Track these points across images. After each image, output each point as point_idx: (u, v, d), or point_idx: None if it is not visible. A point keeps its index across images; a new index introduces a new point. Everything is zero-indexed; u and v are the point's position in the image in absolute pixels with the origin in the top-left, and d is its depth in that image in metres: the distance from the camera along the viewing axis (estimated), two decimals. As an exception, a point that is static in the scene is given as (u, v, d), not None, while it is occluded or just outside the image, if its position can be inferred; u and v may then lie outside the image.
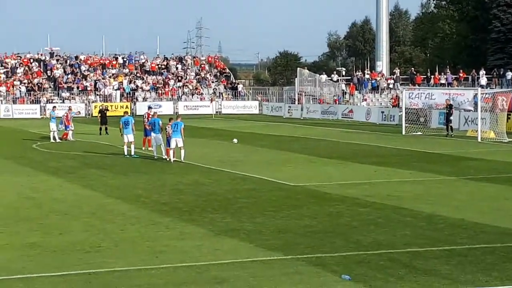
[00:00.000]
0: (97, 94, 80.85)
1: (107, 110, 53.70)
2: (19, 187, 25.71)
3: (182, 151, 32.53)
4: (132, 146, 35.45)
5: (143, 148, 37.37)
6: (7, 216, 20.16)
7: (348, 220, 19.28)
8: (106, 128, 49.62)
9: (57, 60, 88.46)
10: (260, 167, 31.03)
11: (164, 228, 18.41)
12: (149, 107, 46.74)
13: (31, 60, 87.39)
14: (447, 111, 47.91)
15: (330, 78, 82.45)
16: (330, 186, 25.20)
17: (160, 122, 34.06)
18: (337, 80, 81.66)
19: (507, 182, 26.07)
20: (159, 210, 20.92)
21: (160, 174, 28.83)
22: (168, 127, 33.18)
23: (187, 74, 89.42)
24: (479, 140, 43.33)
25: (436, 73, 78.79)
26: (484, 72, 75.41)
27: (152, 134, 34.43)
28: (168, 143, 33.12)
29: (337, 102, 74.84)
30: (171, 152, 32.69)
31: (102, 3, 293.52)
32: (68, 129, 45.18)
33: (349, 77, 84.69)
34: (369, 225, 18.50)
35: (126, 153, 35.29)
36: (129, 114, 40.68)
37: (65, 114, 45.68)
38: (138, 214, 20.37)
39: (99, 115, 51.53)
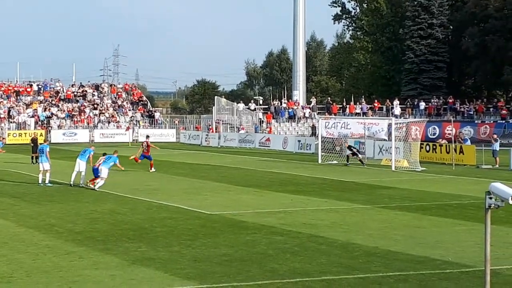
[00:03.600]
0: (11, 122, 79.39)
1: (37, 139, 52.33)
2: None
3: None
4: (47, 174, 34.83)
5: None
6: None
7: (264, 248, 19.29)
8: (36, 157, 48.32)
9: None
10: (177, 195, 30.89)
11: (77, 258, 18.08)
12: (147, 136, 49.11)
13: None
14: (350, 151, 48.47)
15: (247, 106, 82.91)
16: (246, 215, 25.21)
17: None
18: (255, 109, 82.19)
19: (419, 210, 26.53)
20: (73, 239, 20.57)
21: (74, 203, 28.38)
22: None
23: (103, 102, 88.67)
24: (393, 169, 44.03)
25: (352, 103, 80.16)
26: (398, 102, 77.05)
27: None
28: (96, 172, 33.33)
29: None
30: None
31: (17, 29, 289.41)
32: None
33: (267, 106, 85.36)
34: (285, 253, 18.55)
35: (40, 182, 34.67)
36: (44, 142, 39.76)
37: None
38: (51, 243, 19.99)
39: (31, 143, 50.31)
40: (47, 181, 34.64)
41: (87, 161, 34.09)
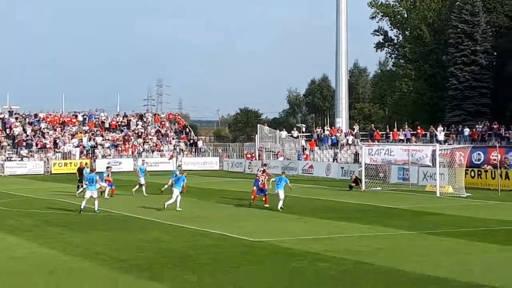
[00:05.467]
0: (57, 152, 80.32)
1: (84, 168, 52.84)
2: (-24, 245, 25.28)
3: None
4: (96, 202, 35.48)
5: None
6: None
7: (310, 275, 19.21)
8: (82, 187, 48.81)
9: (16, 118, 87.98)
10: (221, 222, 30.95)
11: (123, 286, 18.19)
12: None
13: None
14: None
15: (290, 134, 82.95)
16: (291, 241, 25.15)
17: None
18: (297, 136, 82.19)
19: (466, 236, 26.26)
20: (119, 267, 20.66)
21: (120, 231, 28.57)
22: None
23: (147, 131, 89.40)
24: (438, 195, 43.70)
25: (395, 129, 79.75)
26: (442, 128, 76.44)
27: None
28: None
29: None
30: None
31: (62, 60, 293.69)
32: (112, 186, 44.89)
33: (309, 133, 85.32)
34: (330, 280, 18.45)
35: (82, 207, 35.29)
36: (94, 171, 40.22)
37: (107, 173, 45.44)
38: (97, 271, 20.12)
39: (77, 172, 50.85)
40: (96, 209, 35.33)
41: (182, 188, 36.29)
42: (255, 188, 38.64)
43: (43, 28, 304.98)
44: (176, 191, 36.00)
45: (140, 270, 20.04)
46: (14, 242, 26.05)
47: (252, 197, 38.43)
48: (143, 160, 50.60)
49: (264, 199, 37.74)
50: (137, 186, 45.89)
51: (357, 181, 49.35)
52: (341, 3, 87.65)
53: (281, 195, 36.20)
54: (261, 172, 40.19)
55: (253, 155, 79.85)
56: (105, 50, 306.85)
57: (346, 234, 27.04)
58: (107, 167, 48.03)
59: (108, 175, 45.05)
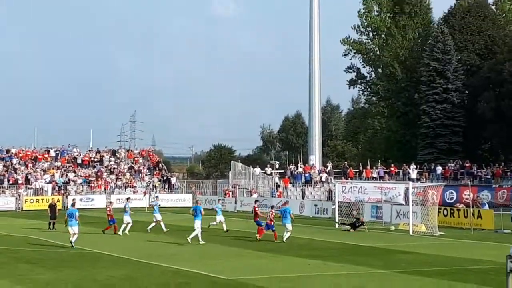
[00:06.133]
0: (29, 188, 79.67)
1: (56, 204, 52.48)
2: None
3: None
4: (75, 237, 35.83)
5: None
6: None
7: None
8: (54, 223, 48.47)
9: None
10: (193, 260, 30.76)
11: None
12: (256, 200, 51.74)
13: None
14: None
15: (263, 171, 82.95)
16: (264, 280, 25.03)
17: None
18: (271, 173, 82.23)
19: (438, 275, 26.26)
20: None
21: (91, 269, 28.30)
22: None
23: (120, 167, 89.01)
24: (411, 233, 43.76)
25: (368, 167, 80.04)
26: (415, 166, 76.85)
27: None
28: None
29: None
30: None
31: (34, 94, 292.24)
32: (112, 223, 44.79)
33: (283, 170, 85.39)
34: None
35: (73, 244, 35.56)
36: (73, 206, 40.01)
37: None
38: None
39: (49, 209, 50.48)
40: (73, 243, 35.61)
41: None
42: (263, 226, 40.78)
43: (14, 61, 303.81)
44: (198, 223, 37.43)
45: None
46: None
47: (258, 235, 40.17)
48: (156, 197, 50.69)
49: (274, 235, 39.32)
50: (153, 224, 45.40)
51: (357, 221, 48.09)
52: (314, 40, 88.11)
53: (289, 227, 38.79)
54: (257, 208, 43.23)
55: (227, 191, 79.66)
56: (78, 85, 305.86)
57: (320, 273, 26.94)
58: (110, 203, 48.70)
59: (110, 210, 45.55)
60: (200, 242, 37.15)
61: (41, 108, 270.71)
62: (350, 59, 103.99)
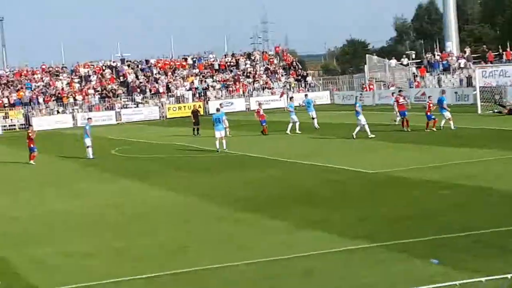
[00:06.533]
0: (170, 96, 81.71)
1: (198, 111, 53.78)
2: (102, 193, 26.20)
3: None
4: (224, 141, 36.81)
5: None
6: (92, 222, 20.60)
7: (432, 203, 19.15)
8: (198, 129, 49.75)
9: (128, 65, 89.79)
10: (338, 156, 31.06)
11: (248, 224, 18.59)
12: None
13: (104, 68, 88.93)
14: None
15: (400, 62, 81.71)
16: (409, 171, 25.04)
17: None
18: (407, 64, 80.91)
19: None
20: (243, 206, 21.07)
21: (240, 170, 29.05)
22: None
23: (256, 70, 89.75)
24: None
25: (508, 49, 77.39)
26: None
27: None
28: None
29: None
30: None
31: (169, 4, 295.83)
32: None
33: (419, 60, 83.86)
34: (453, 207, 18.36)
35: (218, 148, 36.41)
36: (217, 111, 40.71)
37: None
38: (221, 211, 20.60)
39: (192, 115, 51.81)
40: (224, 147, 36.46)
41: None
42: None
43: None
44: (362, 119, 37.89)
45: (263, 208, 20.38)
46: (138, 187, 26.90)
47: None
48: (291, 98, 50.46)
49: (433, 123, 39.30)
50: (290, 125, 44.98)
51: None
52: None
53: (448, 115, 39.37)
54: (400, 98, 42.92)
55: (364, 86, 79.13)
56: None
57: (466, 160, 26.67)
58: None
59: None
60: (370, 136, 37.42)
61: (176, 17, 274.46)
62: None
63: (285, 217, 18.91)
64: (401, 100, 41.66)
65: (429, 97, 42.88)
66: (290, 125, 44.60)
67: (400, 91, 46.89)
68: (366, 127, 38.01)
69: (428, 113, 39.48)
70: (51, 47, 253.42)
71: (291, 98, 50.83)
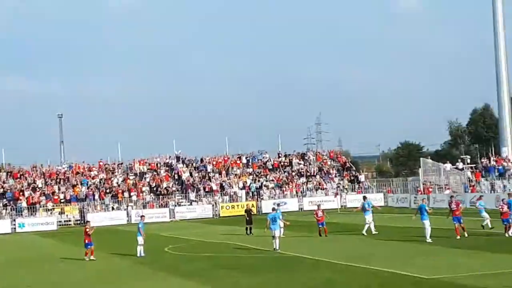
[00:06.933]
0: (223, 195, 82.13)
1: (251, 210, 53.91)
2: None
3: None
4: (277, 241, 37.05)
5: None
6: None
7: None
8: (250, 228, 49.80)
9: (183, 163, 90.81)
10: (391, 260, 30.66)
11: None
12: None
13: (159, 165, 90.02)
14: None
15: (454, 166, 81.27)
16: (465, 278, 24.59)
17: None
18: (462, 168, 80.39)
19: None
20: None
21: (291, 272, 28.86)
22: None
23: (309, 170, 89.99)
24: None
25: None
26: None
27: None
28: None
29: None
30: None
31: (224, 106, 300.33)
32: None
33: (474, 164, 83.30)
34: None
35: (275, 247, 36.77)
36: (274, 210, 40.88)
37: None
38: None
39: (245, 214, 52.03)
40: (277, 247, 36.75)
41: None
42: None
43: (201, 74, 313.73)
44: (426, 223, 38.00)
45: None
46: (190, 287, 26.81)
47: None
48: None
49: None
50: (366, 226, 44.68)
51: None
52: (499, 27, 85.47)
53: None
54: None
55: (418, 189, 78.73)
56: (265, 92, 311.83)
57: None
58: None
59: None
60: (428, 240, 37.21)
61: (231, 118, 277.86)
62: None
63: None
64: (453, 205, 40.61)
65: (502, 200, 42.21)
66: (366, 226, 44.38)
67: (451, 196, 46.10)
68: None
69: (504, 218, 39.02)
70: (108, 143, 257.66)
71: (364, 197, 50.40)
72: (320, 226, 44.56)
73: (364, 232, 43.76)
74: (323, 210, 46.54)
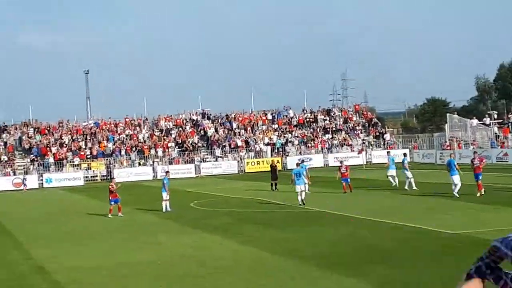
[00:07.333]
0: (249, 151, 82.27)
1: (276, 166, 53.95)
2: (181, 246, 26.36)
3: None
4: (303, 194, 37.50)
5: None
6: (171, 274, 20.71)
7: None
8: (275, 184, 49.94)
9: (209, 119, 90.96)
10: (416, 215, 30.67)
11: (323, 282, 18.44)
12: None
13: (184, 121, 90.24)
14: None
15: (482, 122, 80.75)
16: (490, 233, 24.51)
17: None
18: (489, 124, 79.86)
19: None
20: (317, 263, 20.92)
21: (315, 226, 28.97)
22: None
23: (335, 126, 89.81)
24: None
25: None
26: None
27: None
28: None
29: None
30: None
31: (249, 60, 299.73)
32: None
33: (501, 120, 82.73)
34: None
35: (300, 202, 37.17)
36: (297, 165, 41.02)
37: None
38: (297, 268, 20.49)
39: (270, 170, 52.15)
40: (301, 202, 37.12)
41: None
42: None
43: (230, 30, 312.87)
44: (456, 178, 37.67)
45: (339, 266, 20.23)
46: (216, 241, 27.01)
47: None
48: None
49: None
50: (407, 182, 44.11)
51: None
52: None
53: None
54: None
55: (446, 144, 78.34)
56: (289, 48, 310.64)
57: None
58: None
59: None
60: (455, 195, 37.12)
61: (257, 72, 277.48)
62: None
63: (361, 276, 18.67)
64: (476, 161, 40.03)
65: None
66: (407, 181, 43.96)
67: (475, 152, 45.45)
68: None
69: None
70: (134, 100, 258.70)
71: (405, 153, 50.29)
72: (344, 182, 44.46)
73: (406, 187, 43.48)
74: (347, 166, 46.43)
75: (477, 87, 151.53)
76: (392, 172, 45.94)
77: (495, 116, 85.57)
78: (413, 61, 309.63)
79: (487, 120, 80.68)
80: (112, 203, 38.22)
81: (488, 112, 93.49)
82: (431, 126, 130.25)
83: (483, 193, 37.31)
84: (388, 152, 53.19)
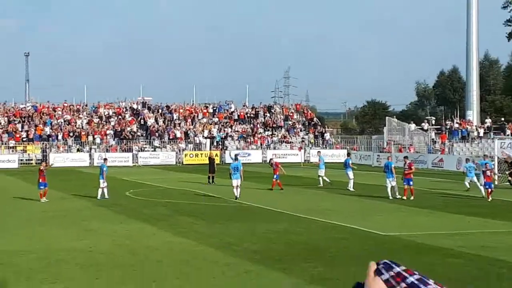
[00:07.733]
0: (188, 143, 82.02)
1: (214, 159, 53.69)
2: (114, 234, 26.13)
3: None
4: (238, 190, 37.70)
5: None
6: (102, 262, 20.52)
7: (443, 271, 18.97)
8: (213, 177, 49.74)
9: (149, 109, 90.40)
10: (350, 216, 30.91)
11: (255, 276, 18.45)
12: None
13: (124, 109, 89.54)
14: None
15: (420, 127, 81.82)
16: (421, 236, 24.87)
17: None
18: (427, 129, 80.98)
19: None
20: (251, 258, 20.95)
21: (250, 222, 28.97)
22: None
23: (275, 123, 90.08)
24: None
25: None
26: None
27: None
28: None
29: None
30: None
31: (192, 54, 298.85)
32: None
33: (439, 126, 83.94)
34: (465, 277, 18.17)
35: (236, 195, 37.43)
36: (236, 160, 41.28)
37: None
38: (229, 262, 20.47)
39: (208, 163, 51.99)
40: (238, 196, 37.44)
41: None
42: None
43: (175, 22, 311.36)
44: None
45: (271, 262, 20.27)
46: (150, 231, 26.83)
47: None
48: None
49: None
50: (351, 182, 44.15)
51: None
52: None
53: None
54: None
55: (383, 148, 79.18)
56: (236, 43, 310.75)
57: (479, 230, 26.51)
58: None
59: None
60: (390, 198, 37.58)
61: (199, 66, 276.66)
62: (510, 11, 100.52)
63: (294, 272, 18.75)
64: (405, 166, 40.02)
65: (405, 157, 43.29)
66: (351, 182, 44.04)
67: (405, 157, 45.49)
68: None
69: (487, 181, 38.32)
70: (74, 86, 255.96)
71: (349, 153, 51.61)
72: (274, 178, 44.41)
73: (350, 187, 43.72)
74: (278, 163, 46.36)
75: (417, 93, 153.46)
76: (321, 172, 46.62)
77: (433, 122, 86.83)
78: (356, 64, 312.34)
79: (425, 126, 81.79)
80: (42, 187, 37.61)
81: (427, 117, 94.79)
82: (370, 128, 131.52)
83: (411, 198, 37.53)
84: (318, 152, 54.07)
